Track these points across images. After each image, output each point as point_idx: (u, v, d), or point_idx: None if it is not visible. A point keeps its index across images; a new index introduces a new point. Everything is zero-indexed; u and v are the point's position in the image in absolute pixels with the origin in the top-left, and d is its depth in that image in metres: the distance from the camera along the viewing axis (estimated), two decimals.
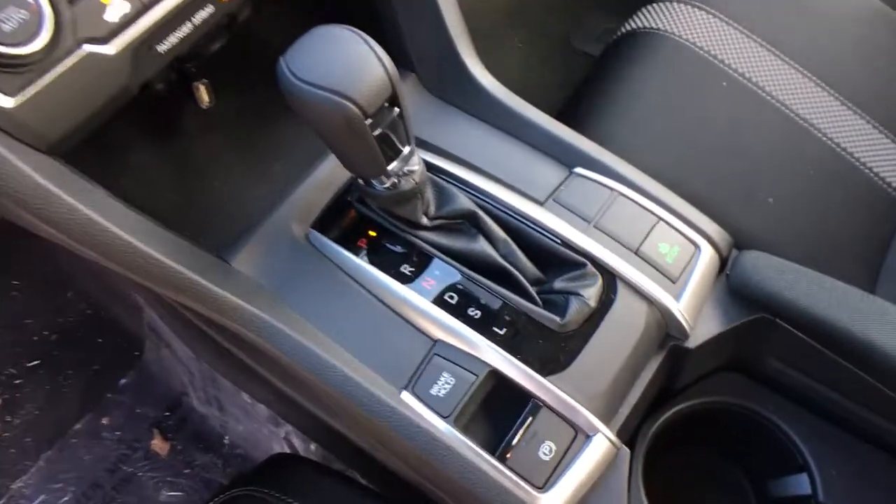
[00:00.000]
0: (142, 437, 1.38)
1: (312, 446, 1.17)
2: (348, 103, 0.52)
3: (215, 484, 1.32)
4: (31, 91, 0.58)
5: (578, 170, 0.75)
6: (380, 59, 0.54)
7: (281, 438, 1.21)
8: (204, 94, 0.84)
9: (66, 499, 1.34)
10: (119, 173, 0.85)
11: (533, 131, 0.76)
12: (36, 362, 1.46)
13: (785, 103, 1.08)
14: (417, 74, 0.85)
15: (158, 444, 1.36)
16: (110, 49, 0.62)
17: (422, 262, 0.71)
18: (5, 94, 0.57)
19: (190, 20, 0.69)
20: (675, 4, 1.15)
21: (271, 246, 0.74)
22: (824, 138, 1.07)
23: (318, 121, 0.56)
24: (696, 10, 1.14)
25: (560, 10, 1.82)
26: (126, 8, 0.61)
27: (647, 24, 1.14)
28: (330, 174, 0.78)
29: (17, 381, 1.45)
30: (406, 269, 0.71)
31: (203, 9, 0.70)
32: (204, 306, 0.67)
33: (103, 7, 0.60)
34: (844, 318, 0.68)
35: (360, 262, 0.70)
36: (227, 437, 1.35)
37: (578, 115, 1.02)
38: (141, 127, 0.87)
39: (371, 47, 0.54)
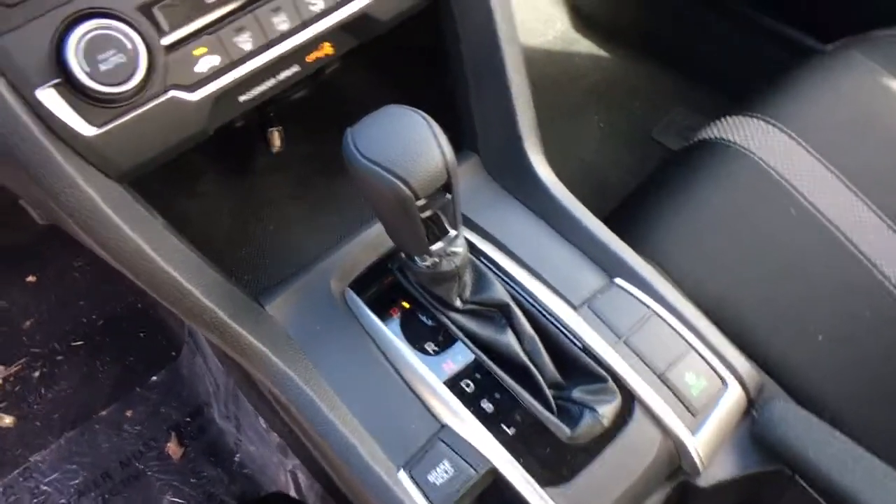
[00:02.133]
0: (159, 437, 1.41)
1: (315, 486, 1.18)
2: (402, 185, 0.53)
3: (216, 500, 1.34)
4: (113, 125, 0.62)
5: (619, 280, 0.75)
6: (440, 147, 0.55)
7: (287, 470, 1.23)
8: (276, 140, 0.88)
9: (76, 481, 1.38)
10: (184, 197, 0.89)
11: (581, 234, 0.76)
12: (79, 343, 1.53)
13: (852, 240, 1.05)
14: (480, 156, 0.87)
15: (173, 448, 1.40)
16: (194, 96, 0.65)
17: (446, 343, 0.72)
18: (89, 123, 0.61)
19: (275, 77, 0.72)
20: (754, 120, 1.14)
21: (308, 297, 0.76)
22: (886, 282, 1.03)
23: (371, 194, 0.57)
24: (775, 129, 1.12)
25: (646, 98, 1.82)
26: (216, 61, 0.65)
27: (722, 135, 1.13)
28: (377, 237, 0.80)
29: (59, 357, 1.52)
30: (430, 346, 0.72)
31: (290, 68, 0.73)
32: (230, 347, 0.70)
33: (195, 59, 0.65)
34: (866, 492, 0.65)
35: (387, 331, 0.71)
36: (238, 455, 1.37)
37: (634, 217, 1.02)
38: (212, 156, 0.92)
39: (434, 134, 0.55)
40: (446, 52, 0.84)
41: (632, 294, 0.75)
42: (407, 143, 0.54)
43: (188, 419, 1.43)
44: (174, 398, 1.44)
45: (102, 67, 0.58)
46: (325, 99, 0.89)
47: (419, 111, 0.56)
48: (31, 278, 1.56)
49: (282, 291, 0.76)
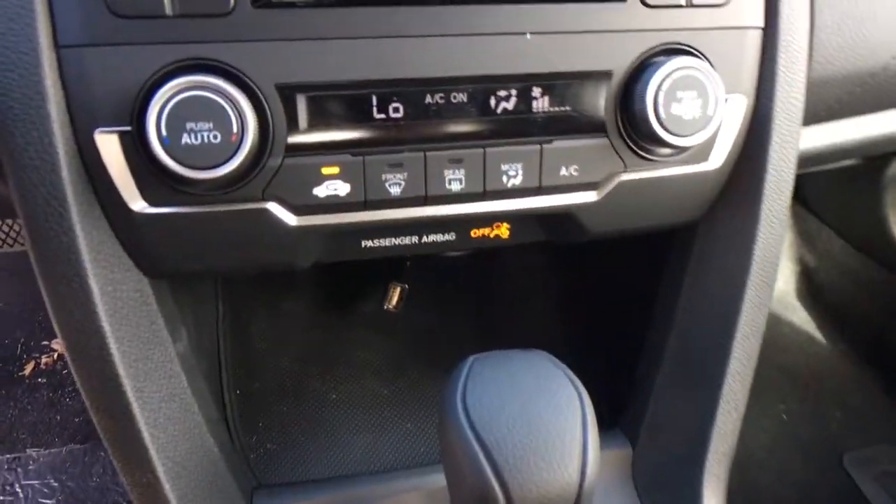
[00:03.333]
0: None
1: None
2: (498, 488, 0.37)
3: None
4: (171, 209, 0.44)
5: None
6: (582, 458, 0.39)
7: None
8: (395, 297, 0.67)
9: (48, 501, 1.23)
10: (259, 301, 0.70)
11: None
12: None
13: None
14: (634, 451, 0.60)
15: None
16: (298, 221, 0.46)
17: None
18: (143, 197, 0.43)
19: (419, 237, 0.52)
20: None
21: None
22: None
23: (451, 470, 0.40)
24: None
25: (850, 410, 1.47)
26: (344, 191, 0.46)
27: None
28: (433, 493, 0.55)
29: None
30: None
31: (443, 233, 0.53)
32: None
33: (319, 177, 0.45)
34: None
35: None
36: None
37: None
38: (316, 276, 0.72)
39: (584, 428, 0.39)
40: (648, 294, 0.61)
41: None
42: (537, 428, 0.39)
43: None
44: None
45: (185, 139, 0.40)
46: (477, 266, 0.68)
47: (573, 380, 0.41)
48: None
49: (276, 498, 0.53)
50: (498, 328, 0.67)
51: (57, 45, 0.40)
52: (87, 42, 0.40)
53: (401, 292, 0.67)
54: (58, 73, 0.41)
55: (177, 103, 0.40)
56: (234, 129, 0.41)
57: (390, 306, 0.68)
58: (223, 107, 0.40)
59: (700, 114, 0.47)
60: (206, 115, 0.40)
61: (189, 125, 0.40)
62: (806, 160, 0.62)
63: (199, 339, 0.56)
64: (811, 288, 1.71)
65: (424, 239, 0.53)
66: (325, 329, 0.71)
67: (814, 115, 0.57)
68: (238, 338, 0.60)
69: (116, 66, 0.41)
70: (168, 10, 0.41)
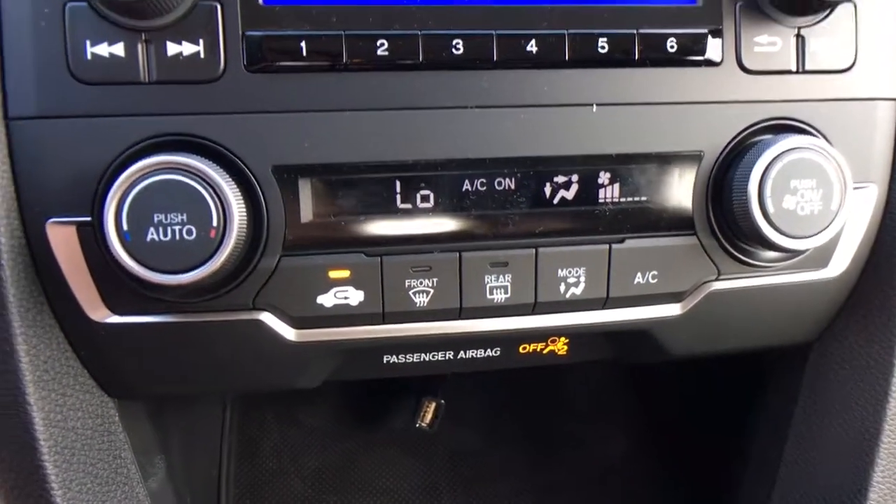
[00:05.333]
0: None
1: None
2: None
3: None
4: (137, 318, 0.35)
5: None
6: None
7: None
8: (429, 415, 0.56)
9: None
10: (272, 415, 0.60)
11: None
12: None
13: None
14: None
15: None
16: (297, 336, 0.37)
17: None
18: (105, 302, 0.34)
19: (455, 353, 0.41)
20: None
21: None
22: None
23: None
24: None
25: None
26: (356, 299, 0.36)
27: None
28: None
29: None
30: None
31: (485, 349, 0.42)
32: None
33: (325, 282, 0.36)
34: None
35: None
36: None
37: None
38: (337, 388, 0.62)
39: None
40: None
41: None
42: None
43: None
44: None
45: (151, 235, 0.31)
46: (528, 379, 0.58)
47: None
48: None
49: None
50: (553, 453, 0.55)
51: (6, 117, 0.33)
52: (43, 113, 0.33)
53: (436, 408, 0.57)
54: (5, 149, 0.33)
55: (142, 189, 0.32)
56: (214, 223, 0.32)
57: (423, 424, 0.57)
58: (200, 194, 0.32)
59: (820, 208, 0.36)
60: (178, 205, 0.32)
61: (157, 217, 0.32)
62: None
63: (188, 465, 0.47)
64: None
65: (461, 355, 0.42)
66: (346, 447, 0.61)
67: None
68: (245, 455, 0.53)
69: (77, 142, 0.33)
70: (143, 75, 0.33)
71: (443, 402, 0.57)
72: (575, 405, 0.48)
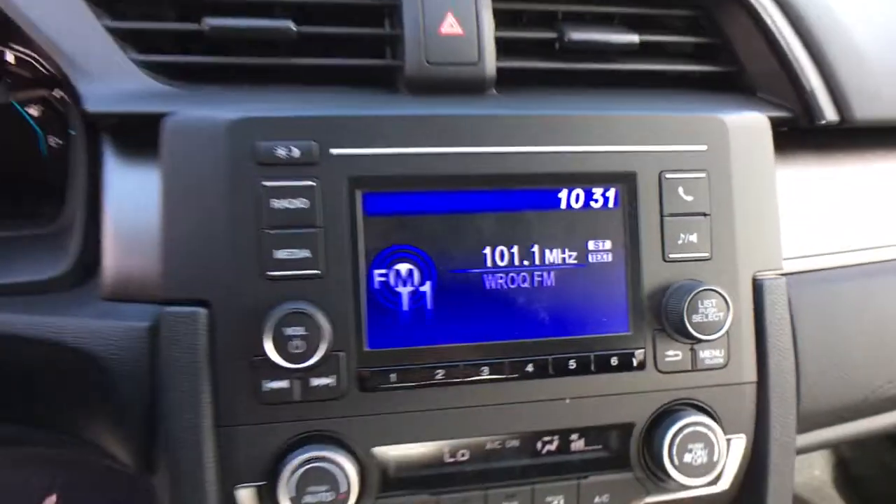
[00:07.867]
0: None
1: None
2: None
3: None
4: None
5: None
6: None
7: None
8: None
9: None
10: None
11: None
12: None
13: None
14: None
15: None
16: None
17: None
18: None
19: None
20: None
21: None
22: None
23: None
24: None
25: None
26: None
27: None
28: None
29: None
30: None
31: None
32: None
33: None
34: None
35: None
36: None
37: None
38: None
39: None
40: None
41: None
42: None
43: None
44: None
45: (307, 499, 0.53)
46: None
47: None
48: None
49: None
50: None
51: (217, 425, 0.55)
52: (237, 422, 0.55)
53: None
54: (213, 444, 0.55)
55: (303, 472, 0.53)
56: (342, 489, 0.54)
57: None
58: (333, 475, 0.54)
59: (706, 460, 0.59)
60: (323, 480, 0.53)
61: (311, 488, 0.53)
62: (812, 447, 0.72)
63: None
64: (848, 479, 1.73)
65: None
66: None
67: (811, 425, 0.68)
68: None
69: (256, 438, 0.54)
70: (297, 396, 0.55)
71: None
72: None
